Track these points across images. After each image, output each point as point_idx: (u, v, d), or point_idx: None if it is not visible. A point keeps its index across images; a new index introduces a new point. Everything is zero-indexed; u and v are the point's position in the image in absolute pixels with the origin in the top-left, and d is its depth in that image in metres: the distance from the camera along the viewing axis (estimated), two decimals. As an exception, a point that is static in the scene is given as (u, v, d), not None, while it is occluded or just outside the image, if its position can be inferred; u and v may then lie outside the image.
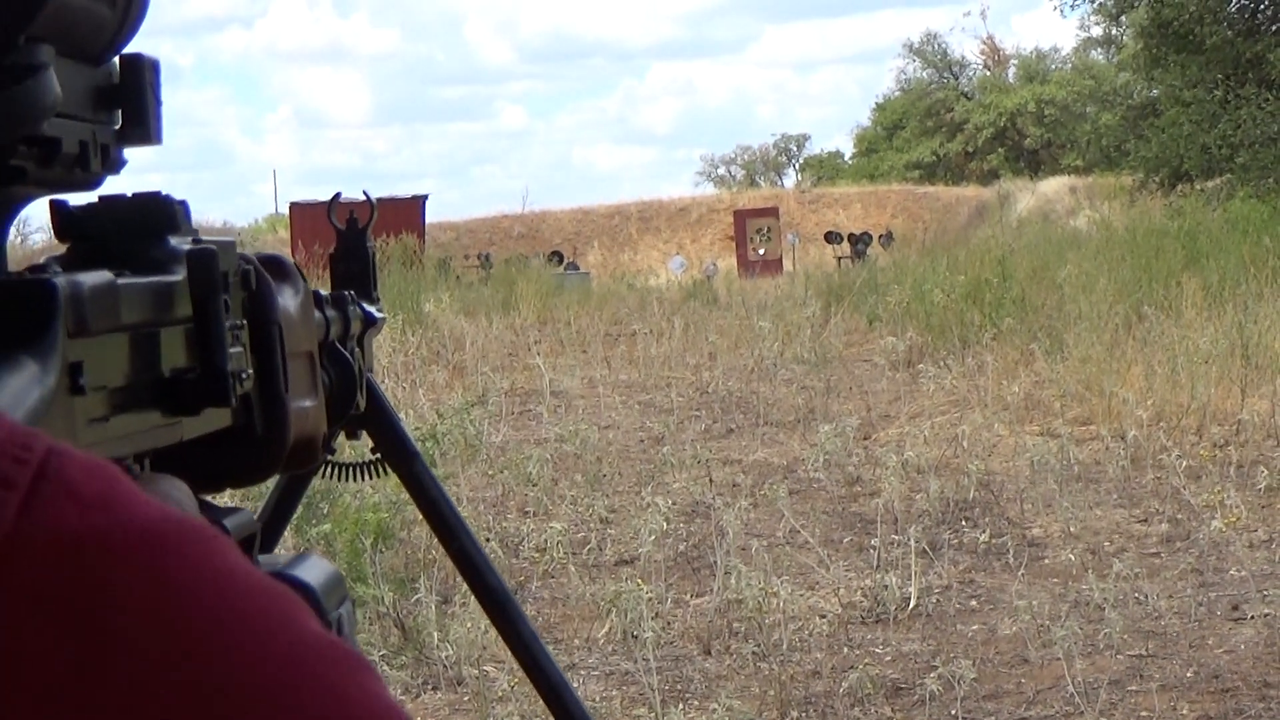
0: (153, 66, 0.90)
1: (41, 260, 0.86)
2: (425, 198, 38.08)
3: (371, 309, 1.47)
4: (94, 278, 0.78)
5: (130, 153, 0.91)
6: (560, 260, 38.37)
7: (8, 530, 0.49)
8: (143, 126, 0.90)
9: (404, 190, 41.72)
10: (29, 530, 0.50)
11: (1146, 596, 7.36)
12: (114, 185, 0.92)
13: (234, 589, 0.53)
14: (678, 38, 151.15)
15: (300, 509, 1.74)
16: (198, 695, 0.50)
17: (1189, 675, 6.37)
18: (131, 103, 0.89)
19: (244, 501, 5.16)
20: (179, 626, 0.51)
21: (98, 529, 0.51)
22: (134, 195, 0.91)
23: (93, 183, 0.89)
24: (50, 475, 0.51)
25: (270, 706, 0.51)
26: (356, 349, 1.40)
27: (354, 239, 1.59)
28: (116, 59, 0.89)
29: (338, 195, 1.64)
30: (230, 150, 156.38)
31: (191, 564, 0.52)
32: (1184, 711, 6.01)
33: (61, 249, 0.90)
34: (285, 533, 1.71)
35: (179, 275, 0.88)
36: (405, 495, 6.61)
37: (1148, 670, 6.44)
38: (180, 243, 0.90)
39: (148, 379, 0.84)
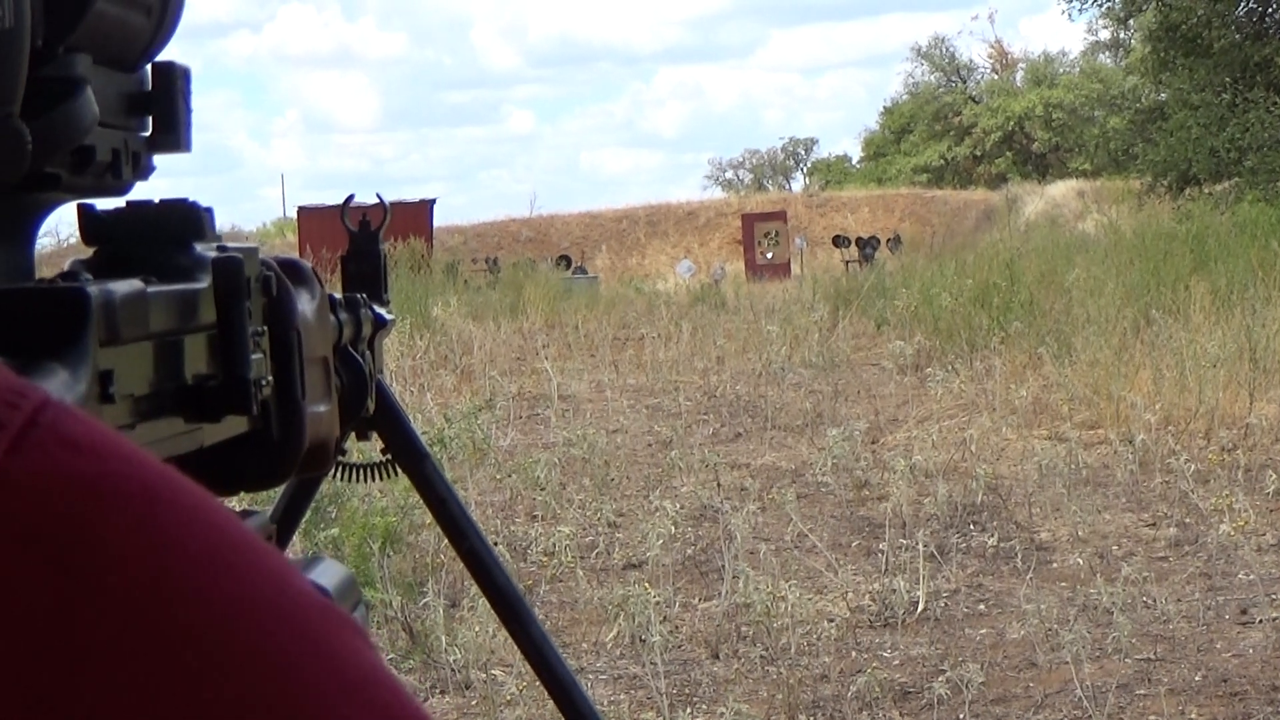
0: (184, 74, 0.90)
1: (67, 264, 0.87)
2: (433, 202, 38.13)
3: (382, 311, 1.48)
4: (125, 286, 0.78)
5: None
6: (568, 264, 38.35)
7: None
8: (173, 134, 0.90)
9: (412, 194, 41.79)
10: (17, 470, 0.49)
11: (1155, 600, 7.36)
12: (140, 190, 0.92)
13: (224, 541, 0.52)
14: (685, 42, 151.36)
15: (308, 512, 1.74)
16: (178, 637, 0.49)
17: (1197, 679, 6.37)
18: (163, 110, 0.90)
19: (253, 504, 5.17)
20: (164, 569, 0.50)
21: (89, 473, 0.51)
22: (161, 201, 0.92)
23: (123, 189, 0.89)
24: (43, 422, 0.51)
25: (251, 654, 0.51)
26: (367, 351, 1.41)
27: (366, 241, 1.59)
28: (149, 66, 0.89)
29: (351, 197, 1.64)
30: (238, 155, 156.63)
31: (183, 513, 0.52)
32: (1192, 715, 6.00)
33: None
34: (294, 536, 1.71)
35: (204, 283, 0.88)
36: (413, 499, 6.58)
37: (1156, 674, 6.43)
38: (206, 249, 0.91)
39: (171, 386, 0.85)
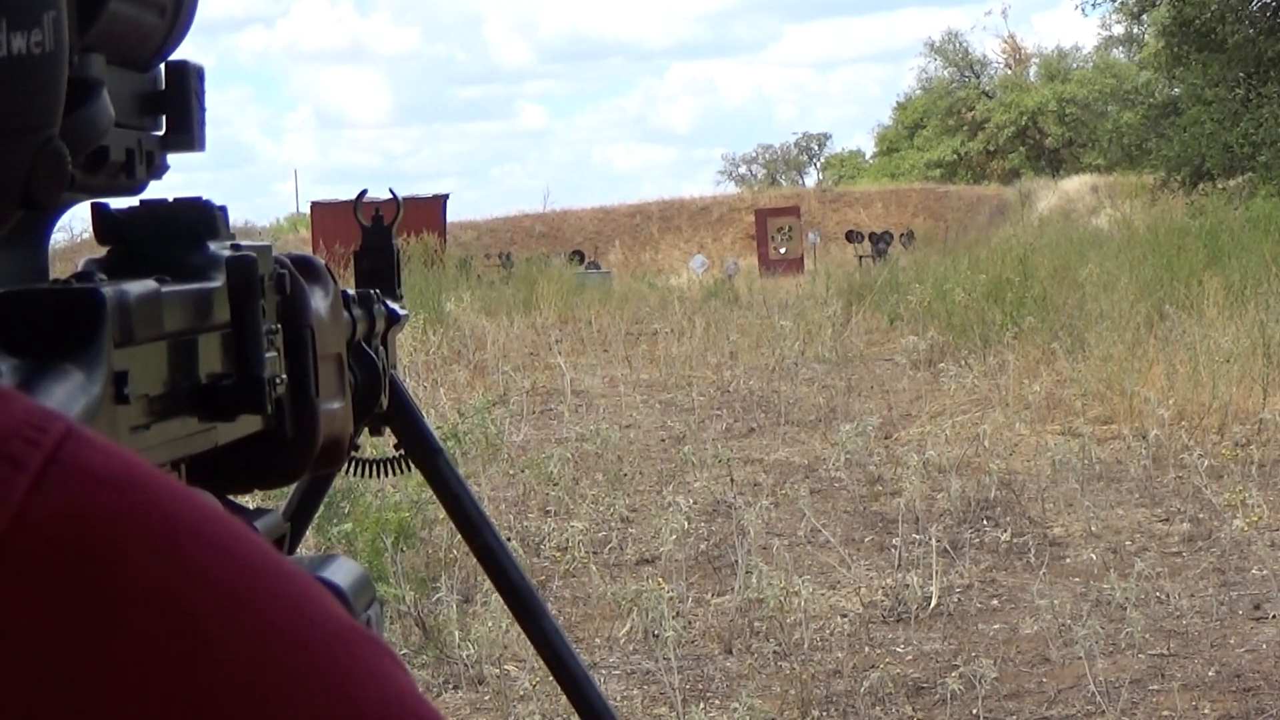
0: (197, 73, 0.90)
1: (80, 264, 0.86)
2: (446, 197, 38.09)
3: (395, 306, 1.48)
4: (140, 287, 0.78)
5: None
6: (581, 259, 38.33)
7: (14, 511, 0.49)
8: (187, 133, 0.90)
9: (424, 190, 41.76)
10: (37, 511, 0.49)
11: (1168, 596, 7.35)
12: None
13: (249, 572, 0.52)
14: (697, 37, 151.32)
15: (321, 508, 1.74)
16: (199, 675, 0.49)
17: (1210, 674, 6.36)
18: (176, 109, 0.90)
19: (265, 501, 5.17)
20: (185, 606, 0.49)
21: (109, 508, 0.50)
22: (175, 200, 0.92)
23: (137, 189, 0.89)
24: (64, 458, 0.50)
25: (277, 691, 0.50)
26: (380, 347, 1.41)
27: (379, 236, 1.59)
28: (162, 65, 0.89)
29: (363, 192, 1.64)
30: (251, 150, 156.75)
31: (205, 546, 0.51)
32: (1205, 711, 6.00)
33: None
34: (306, 532, 1.71)
35: (218, 282, 0.88)
36: (426, 494, 6.58)
37: (1169, 669, 6.43)
38: (220, 248, 0.91)
39: (186, 386, 0.85)
